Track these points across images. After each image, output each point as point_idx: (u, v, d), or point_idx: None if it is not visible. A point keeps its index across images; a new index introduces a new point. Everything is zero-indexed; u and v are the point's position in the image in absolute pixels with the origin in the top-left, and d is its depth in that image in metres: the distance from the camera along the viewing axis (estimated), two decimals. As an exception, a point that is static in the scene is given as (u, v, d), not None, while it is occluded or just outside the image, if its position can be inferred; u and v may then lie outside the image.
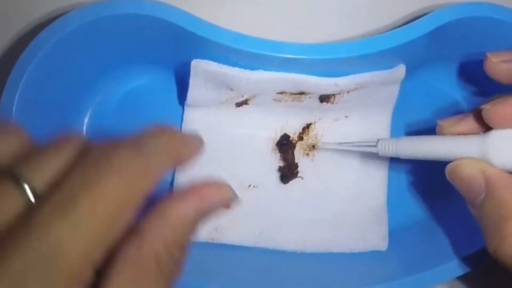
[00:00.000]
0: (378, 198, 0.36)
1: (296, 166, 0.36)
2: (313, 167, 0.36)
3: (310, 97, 0.34)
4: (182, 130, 0.35)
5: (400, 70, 0.33)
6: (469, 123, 0.29)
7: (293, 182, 0.36)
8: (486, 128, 0.28)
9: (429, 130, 0.32)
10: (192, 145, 0.21)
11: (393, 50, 0.31)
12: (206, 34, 0.29)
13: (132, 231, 0.19)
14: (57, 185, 0.18)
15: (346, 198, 0.36)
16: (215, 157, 0.35)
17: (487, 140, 0.27)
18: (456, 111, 0.36)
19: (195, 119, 0.35)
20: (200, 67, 0.31)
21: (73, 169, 0.18)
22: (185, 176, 0.34)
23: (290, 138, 0.36)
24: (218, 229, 0.34)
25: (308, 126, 0.36)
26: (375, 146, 0.32)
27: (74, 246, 0.17)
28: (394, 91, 0.35)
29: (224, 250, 0.34)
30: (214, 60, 0.31)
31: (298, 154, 0.36)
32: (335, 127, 0.36)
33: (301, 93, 0.33)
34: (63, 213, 0.17)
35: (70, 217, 0.17)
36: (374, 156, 0.34)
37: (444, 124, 0.30)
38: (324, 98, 0.34)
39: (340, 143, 0.35)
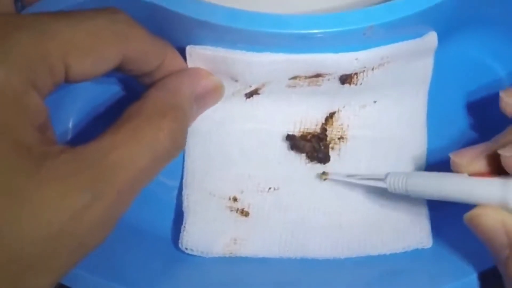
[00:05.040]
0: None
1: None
2: (340, 162, 0.33)
3: (328, 79, 0.30)
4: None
5: (431, 39, 0.29)
6: (488, 161, 0.26)
7: (318, 182, 0.32)
8: None
9: (467, 107, 0.31)
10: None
11: (419, 16, 0.27)
12: (195, 14, 0.25)
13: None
14: None
15: (382, 197, 0.32)
16: (226, 158, 0.32)
17: (509, 188, 0.25)
18: (495, 83, 0.33)
19: (200, 117, 0.30)
20: (196, 53, 0.28)
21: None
22: (195, 185, 0.32)
23: (312, 131, 0.33)
24: (237, 240, 0.31)
25: (331, 115, 0.33)
26: (384, 180, 0.29)
27: None
28: (427, 66, 0.31)
29: (243, 263, 0.31)
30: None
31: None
32: (363, 116, 0.33)
33: (318, 75, 0.29)
34: None
35: None
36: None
37: (459, 161, 0.27)
38: (345, 79, 0.30)
39: (348, 176, 0.31)
